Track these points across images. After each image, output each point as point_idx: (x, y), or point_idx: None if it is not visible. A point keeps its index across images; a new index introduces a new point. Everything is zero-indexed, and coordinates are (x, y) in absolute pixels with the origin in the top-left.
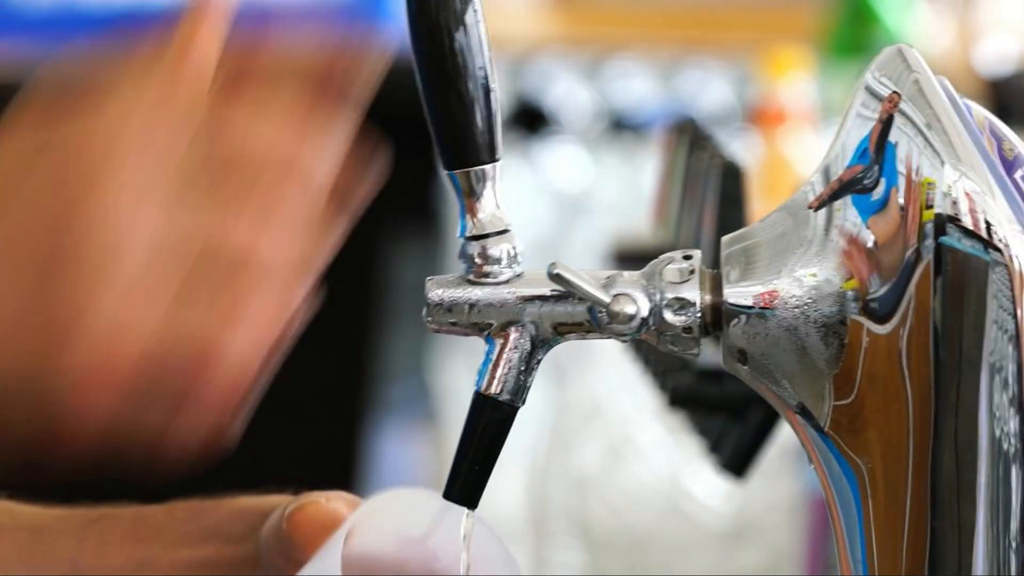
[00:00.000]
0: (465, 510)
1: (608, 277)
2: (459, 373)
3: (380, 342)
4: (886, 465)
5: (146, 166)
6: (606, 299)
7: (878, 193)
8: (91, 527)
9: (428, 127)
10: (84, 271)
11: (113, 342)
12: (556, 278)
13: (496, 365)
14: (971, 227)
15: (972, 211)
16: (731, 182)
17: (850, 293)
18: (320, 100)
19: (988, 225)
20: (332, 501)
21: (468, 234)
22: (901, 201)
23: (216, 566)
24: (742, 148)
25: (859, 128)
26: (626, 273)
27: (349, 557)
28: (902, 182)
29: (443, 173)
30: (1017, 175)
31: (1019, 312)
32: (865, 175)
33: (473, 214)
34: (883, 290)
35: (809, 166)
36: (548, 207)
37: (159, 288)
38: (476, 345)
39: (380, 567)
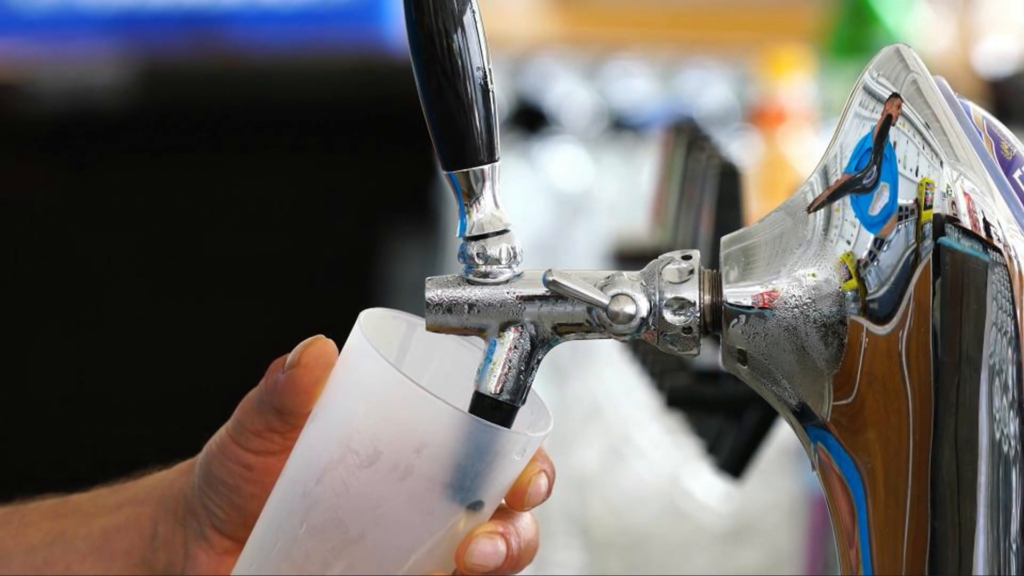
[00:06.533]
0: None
1: (607, 277)
2: None
3: None
4: (886, 465)
5: None
6: (605, 301)
7: (877, 193)
8: (14, 513)
9: (427, 127)
10: None
11: None
12: (552, 285)
13: (496, 365)
14: (970, 227)
15: (971, 211)
16: (728, 183)
17: (850, 293)
18: None
19: (987, 225)
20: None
21: (468, 234)
22: (900, 201)
23: (132, 528)
24: (742, 148)
25: (857, 128)
26: (625, 273)
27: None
28: (901, 182)
29: (443, 173)
30: (1016, 175)
31: (1019, 312)
32: (864, 175)
33: (472, 214)
34: (883, 290)
35: (809, 166)
36: (548, 207)
37: None
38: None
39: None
